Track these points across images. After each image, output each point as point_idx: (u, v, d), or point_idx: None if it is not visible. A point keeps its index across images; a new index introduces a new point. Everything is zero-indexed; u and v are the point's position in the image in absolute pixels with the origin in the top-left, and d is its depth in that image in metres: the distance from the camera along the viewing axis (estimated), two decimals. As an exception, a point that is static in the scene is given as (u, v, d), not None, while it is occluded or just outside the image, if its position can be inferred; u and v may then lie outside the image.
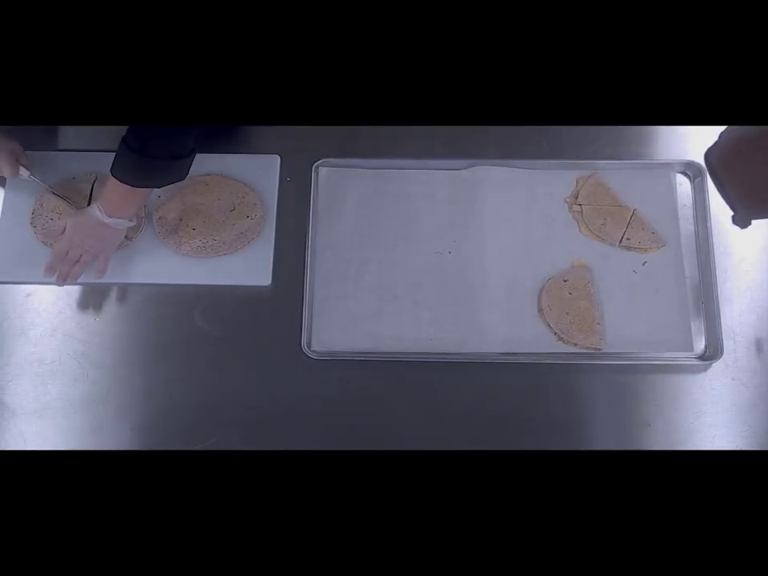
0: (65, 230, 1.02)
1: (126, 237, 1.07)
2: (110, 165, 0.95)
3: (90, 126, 1.13)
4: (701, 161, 1.07)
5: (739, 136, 0.74)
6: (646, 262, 1.08)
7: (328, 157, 1.13)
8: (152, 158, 0.93)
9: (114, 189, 0.96)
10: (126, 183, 0.95)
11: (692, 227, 1.10)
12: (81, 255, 1.02)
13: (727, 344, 1.03)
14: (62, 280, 1.03)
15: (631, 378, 1.03)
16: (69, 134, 1.16)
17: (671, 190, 1.11)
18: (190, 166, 1.00)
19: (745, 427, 1.01)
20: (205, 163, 1.13)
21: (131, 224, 1.02)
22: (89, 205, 1.08)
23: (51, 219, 1.08)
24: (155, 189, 1.02)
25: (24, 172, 1.07)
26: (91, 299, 1.07)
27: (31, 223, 1.09)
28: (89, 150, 1.13)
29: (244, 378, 1.03)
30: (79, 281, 1.05)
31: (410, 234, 1.10)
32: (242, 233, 1.08)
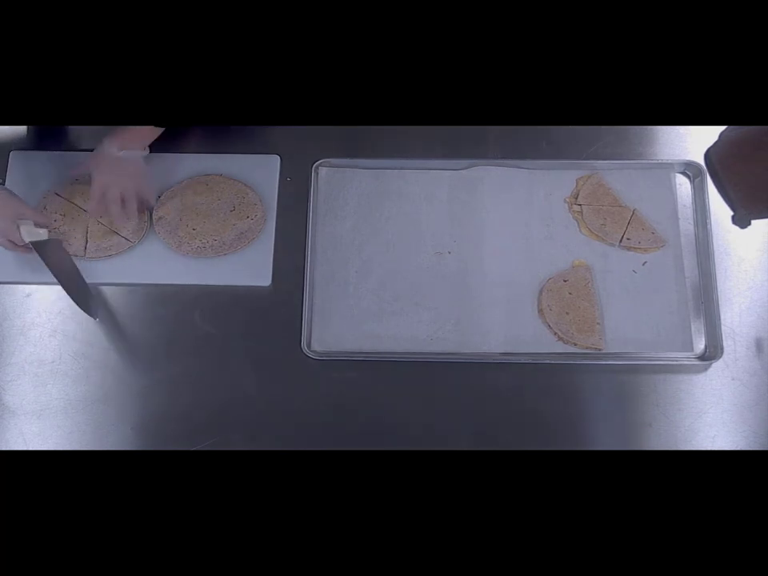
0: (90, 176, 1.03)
1: (127, 240, 1.07)
2: None
3: (89, 127, 1.14)
4: (701, 161, 1.07)
5: (739, 136, 0.74)
6: (646, 262, 1.08)
7: (328, 157, 1.13)
8: None
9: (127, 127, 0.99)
10: None
11: (692, 227, 1.10)
12: (120, 193, 1.03)
13: (727, 344, 1.03)
14: (123, 220, 1.05)
15: (631, 378, 1.03)
16: (69, 134, 1.16)
17: (671, 189, 1.11)
18: None
19: (745, 427, 1.01)
20: (205, 163, 1.13)
21: (145, 153, 1.04)
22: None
23: (55, 221, 1.08)
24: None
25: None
26: (91, 299, 1.07)
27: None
28: (88, 151, 1.13)
29: (244, 378, 1.03)
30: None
31: (410, 234, 1.10)
32: (242, 233, 1.08)
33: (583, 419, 1.02)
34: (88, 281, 1.06)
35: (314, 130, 1.12)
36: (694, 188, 1.12)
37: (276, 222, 1.10)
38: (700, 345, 1.05)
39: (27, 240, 1.00)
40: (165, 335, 1.05)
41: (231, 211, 1.10)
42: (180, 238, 1.08)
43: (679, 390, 1.02)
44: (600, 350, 1.03)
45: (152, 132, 1.03)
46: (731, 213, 0.76)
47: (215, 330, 1.05)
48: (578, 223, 1.10)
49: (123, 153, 1.01)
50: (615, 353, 1.04)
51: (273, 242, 1.09)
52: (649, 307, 1.05)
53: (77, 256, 1.07)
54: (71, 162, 1.12)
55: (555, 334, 1.04)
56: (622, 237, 1.08)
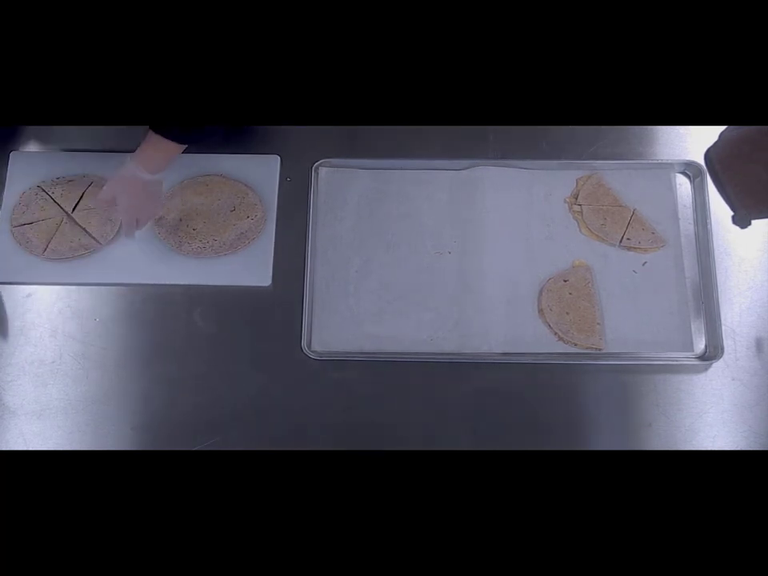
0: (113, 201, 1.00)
1: (97, 242, 1.07)
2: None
3: (89, 127, 1.14)
4: (701, 161, 1.08)
5: (739, 136, 0.74)
6: (646, 262, 1.08)
7: (328, 157, 1.13)
8: None
9: (154, 145, 0.95)
10: (168, 138, 0.94)
11: (692, 227, 1.10)
12: (137, 220, 1.03)
13: (727, 344, 1.03)
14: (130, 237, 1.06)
15: (631, 378, 1.03)
16: (68, 134, 1.16)
17: (671, 190, 1.11)
18: None
19: (745, 427, 1.01)
20: (205, 163, 1.13)
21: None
22: (74, 208, 1.08)
23: (33, 213, 1.08)
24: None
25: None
26: (91, 300, 1.07)
27: (12, 222, 1.09)
28: (88, 151, 1.13)
29: (244, 378, 1.03)
30: (79, 281, 1.07)
31: (410, 234, 1.10)
32: (242, 233, 1.08)
33: (583, 419, 1.02)
34: (80, 280, 1.07)
35: (314, 130, 1.12)
36: (694, 188, 1.12)
37: (276, 223, 1.10)
38: (700, 345, 1.05)
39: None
40: (165, 335, 1.05)
41: (231, 211, 1.10)
42: (180, 238, 1.08)
43: (679, 390, 1.02)
44: (600, 350, 1.03)
45: (175, 149, 0.97)
46: (731, 213, 0.76)
47: (215, 330, 1.05)
48: (578, 223, 1.10)
49: (149, 177, 0.97)
50: (615, 353, 1.04)
51: (273, 243, 1.09)
52: (649, 307, 1.05)
53: (35, 255, 1.07)
54: (70, 162, 1.12)
55: (555, 334, 1.04)
56: (622, 237, 1.08)
